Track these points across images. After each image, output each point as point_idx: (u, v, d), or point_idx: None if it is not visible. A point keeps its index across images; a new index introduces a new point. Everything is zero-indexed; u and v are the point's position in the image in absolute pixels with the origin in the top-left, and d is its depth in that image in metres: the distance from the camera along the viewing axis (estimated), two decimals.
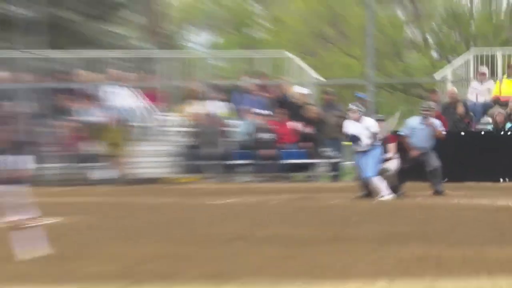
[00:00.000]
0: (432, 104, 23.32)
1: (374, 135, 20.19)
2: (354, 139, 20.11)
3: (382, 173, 20.03)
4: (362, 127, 19.82)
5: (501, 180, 24.60)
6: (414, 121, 21.64)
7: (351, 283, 6.82)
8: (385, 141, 20.34)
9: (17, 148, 11.49)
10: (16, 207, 10.14)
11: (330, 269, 7.85)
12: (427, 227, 13.18)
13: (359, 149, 20.42)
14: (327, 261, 8.47)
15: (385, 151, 20.27)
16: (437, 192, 20.38)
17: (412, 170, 20.74)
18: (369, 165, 20.38)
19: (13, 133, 13.32)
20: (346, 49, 43.70)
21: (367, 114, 21.99)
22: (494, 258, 8.24)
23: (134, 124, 27.54)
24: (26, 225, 10.18)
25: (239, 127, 27.36)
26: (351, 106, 21.42)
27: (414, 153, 21.27)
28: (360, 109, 20.42)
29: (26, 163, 11.01)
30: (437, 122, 21.56)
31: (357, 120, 20.02)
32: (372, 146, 20.03)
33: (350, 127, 20.10)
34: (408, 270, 7.75)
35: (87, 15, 39.36)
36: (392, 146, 20.60)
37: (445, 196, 20.38)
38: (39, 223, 10.40)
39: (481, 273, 6.93)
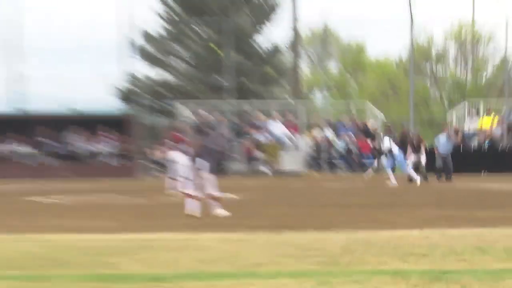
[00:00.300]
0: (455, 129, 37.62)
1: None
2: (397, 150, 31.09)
3: (416, 167, 30.91)
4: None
5: (482, 172, 36.08)
6: (441, 137, 33.19)
7: (398, 232, 12.36)
8: (416, 146, 31.78)
9: (206, 154, 16.50)
10: (212, 187, 16.38)
11: (386, 223, 14.24)
12: (442, 198, 22.18)
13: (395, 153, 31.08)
14: (384, 218, 15.49)
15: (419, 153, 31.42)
16: (448, 179, 31.13)
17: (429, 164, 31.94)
18: (406, 164, 31.42)
19: (206, 143, 16.83)
20: (396, 104, 60.95)
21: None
22: (478, 217, 15.04)
23: (284, 142, 41.16)
24: (218, 198, 16.53)
25: (339, 143, 41.10)
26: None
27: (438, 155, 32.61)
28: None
29: (207, 165, 16.44)
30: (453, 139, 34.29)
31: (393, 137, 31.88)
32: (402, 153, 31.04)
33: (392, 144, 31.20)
34: (430, 224, 13.65)
35: (260, 82, 55.56)
36: (423, 150, 31.72)
37: (452, 182, 30.75)
38: (225, 197, 17.48)
39: (470, 226, 13.03)
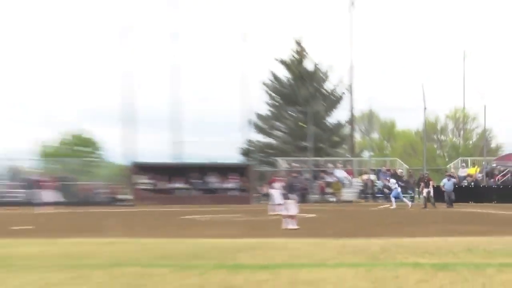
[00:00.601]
0: (452, 174, 40.49)
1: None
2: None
3: (427, 196, 34.55)
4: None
5: (470, 202, 38.66)
6: (445, 180, 36.53)
7: (416, 239, 14.25)
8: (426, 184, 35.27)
9: (292, 189, 21.88)
10: (293, 210, 18.88)
11: (408, 233, 16.36)
12: (445, 218, 24.86)
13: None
14: (407, 230, 18.27)
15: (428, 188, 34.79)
16: (450, 206, 33.99)
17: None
18: (402, 195, 35.99)
19: (293, 182, 26.88)
20: (415, 159, 65.30)
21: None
22: (468, 230, 17.22)
23: (344, 182, 46.53)
24: (294, 216, 18.86)
25: (379, 183, 45.86)
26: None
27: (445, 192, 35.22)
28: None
29: (294, 197, 19.98)
30: (453, 181, 37.46)
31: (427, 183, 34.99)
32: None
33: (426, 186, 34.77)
34: (437, 234, 15.72)
35: (329, 145, 62.02)
36: (431, 185, 35.37)
37: (453, 208, 33.51)
38: (295, 216, 18.96)
39: (462, 236, 14.89)
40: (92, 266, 9.92)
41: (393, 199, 35.87)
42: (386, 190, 42.12)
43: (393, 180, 38.93)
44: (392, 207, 34.78)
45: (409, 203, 36.14)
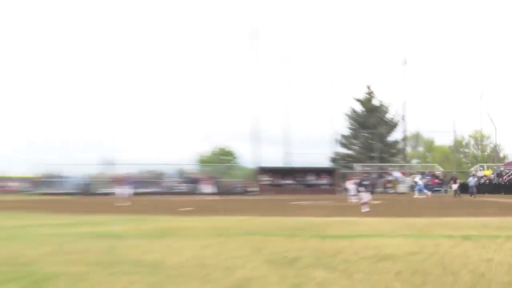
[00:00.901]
0: (474, 174, 40.09)
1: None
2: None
3: (455, 189, 33.38)
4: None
5: (486, 193, 37.17)
6: (470, 178, 36.42)
7: (451, 218, 13.52)
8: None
9: (363, 185, 19.51)
10: (365, 199, 18.11)
11: (445, 214, 15.51)
12: (470, 205, 22.87)
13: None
14: (445, 212, 17.23)
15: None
16: (473, 196, 32.38)
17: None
18: (425, 189, 34.76)
19: (364, 180, 19.83)
20: (449, 164, 62.44)
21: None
22: (485, 212, 16.35)
23: (399, 180, 47.90)
24: (366, 203, 18.02)
25: (424, 181, 41.74)
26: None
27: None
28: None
29: (363, 190, 18.74)
30: (475, 179, 36.80)
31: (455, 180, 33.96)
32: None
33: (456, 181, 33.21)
34: (464, 215, 15.01)
35: (390, 155, 61.47)
36: (458, 182, 34.03)
37: (475, 198, 31.68)
38: (368, 202, 18.19)
39: (481, 216, 14.11)
40: (233, 234, 9.83)
41: (416, 192, 36.27)
42: (413, 184, 41.64)
43: (418, 178, 39.86)
44: (415, 196, 34.66)
45: (429, 193, 36.35)
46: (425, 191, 36.17)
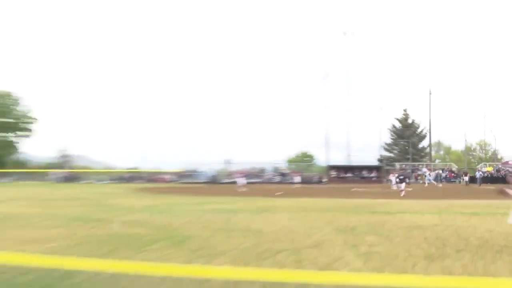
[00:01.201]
0: (480, 169, 41.58)
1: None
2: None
3: (466, 181, 34.11)
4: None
5: (489, 184, 36.45)
6: (477, 172, 37.09)
7: (465, 201, 12.97)
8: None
9: (401, 177, 20.96)
10: (402, 187, 18.92)
11: (462, 197, 15.23)
12: (477, 191, 22.06)
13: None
14: (461, 195, 17.42)
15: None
16: (480, 186, 31.95)
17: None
18: (433, 179, 36.64)
19: (402, 174, 23.93)
20: (461, 163, 60.37)
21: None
22: (491, 197, 13.51)
23: (425, 174, 42.56)
24: (403, 190, 18.93)
25: (443, 175, 46.30)
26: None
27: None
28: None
29: (401, 180, 20.00)
30: (481, 173, 38.10)
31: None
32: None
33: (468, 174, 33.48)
34: (474, 198, 15.25)
35: (419, 156, 62.81)
36: (468, 175, 34.96)
37: (481, 187, 31.13)
38: (404, 189, 19.02)
39: (488, 199, 13.53)
40: (311, 210, 10.08)
41: (427, 182, 37.70)
42: (424, 176, 42.32)
43: (427, 171, 42.36)
44: (440, 186, 35.36)
45: (440, 185, 36.99)
46: (433, 182, 37.68)
